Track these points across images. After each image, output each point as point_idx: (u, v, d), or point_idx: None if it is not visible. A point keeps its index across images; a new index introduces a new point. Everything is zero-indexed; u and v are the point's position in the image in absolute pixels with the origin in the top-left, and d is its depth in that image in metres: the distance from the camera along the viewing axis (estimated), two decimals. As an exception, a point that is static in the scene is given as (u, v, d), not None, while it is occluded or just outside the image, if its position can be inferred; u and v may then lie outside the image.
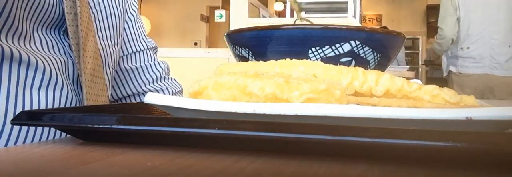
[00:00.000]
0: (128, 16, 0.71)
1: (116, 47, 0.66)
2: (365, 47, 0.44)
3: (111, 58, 0.64)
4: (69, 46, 0.56)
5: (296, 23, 0.53)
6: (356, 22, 2.71)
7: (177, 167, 0.22)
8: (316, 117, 0.26)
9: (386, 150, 0.24)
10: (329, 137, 0.23)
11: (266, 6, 3.03)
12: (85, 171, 0.22)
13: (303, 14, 3.06)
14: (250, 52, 0.48)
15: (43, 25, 0.54)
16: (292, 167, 0.23)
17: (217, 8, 5.01)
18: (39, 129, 0.48)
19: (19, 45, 0.50)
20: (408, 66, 3.27)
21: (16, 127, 0.46)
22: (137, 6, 0.75)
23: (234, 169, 0.22)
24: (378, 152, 0.25)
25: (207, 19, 6.42)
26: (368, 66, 0.46)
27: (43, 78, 0.49)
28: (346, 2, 2.88)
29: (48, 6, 0.53)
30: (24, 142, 0.47)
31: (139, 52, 0.73)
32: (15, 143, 0.46)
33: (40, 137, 0.49)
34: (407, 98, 0.33)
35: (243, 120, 0.25)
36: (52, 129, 0.50)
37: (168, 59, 0.94)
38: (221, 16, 4.48)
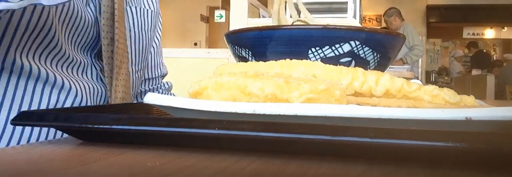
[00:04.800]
0: (154, 41, 0.71)
1: (139, 73, 0.66)
2: (365, 47, 0.44)
3: (136, 84, 0.64)
4: (101, 69, 0.56)
5: (294, 23, 0.54)
6: (356, 23, 2.70)
7: (177, 167, 0.22)
8: (316, 118, 0.26)
9: (386, 150, 0.24)
10: (329, 137, 0.23)
11: (266, 6, 3.03)
12: (84, 171, 0.22)
13: (303, 14, 3.05)
14: (250, 52, 0.48)
15: (78, 45, 0.55)
16: (292, 167, 0.23)
17: (217, 8, 5.00)
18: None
19: (57, 68, 0.51)
20: (408, 66, 3.31)
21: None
22: (161, 31, 0.74)
23: (234, 169, 0.22)
24: (378, 152, 0.25)
25: (207, 19, 6.41)
26: (368, 67, 0.46)
27: (73, 102, 0.50)
28: (346, 3, 2.87)
29: (84, 23, 0.54)
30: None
31: (152, 78, 0.73)
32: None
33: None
34: (407, 98, 0.33)
35: (243, 120, 0.25)
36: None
37: (168, 59, 0.94)
38: (221, 16, 4.47)
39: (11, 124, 0.29)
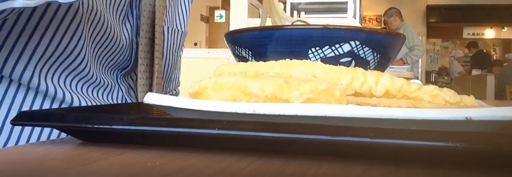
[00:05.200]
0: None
1: (164, 91, 0.66)
2: (365, 47, 0.44)
3: None
4: (126, 91, 0.56)
5: (294, 23, 0.54)
6: (356, 23, 2.71)
7: (177, 167, 0.22)
8: (316, 118, 0.26)
9: (386, 150, 0.24)
10: (328, 137, 0.23)
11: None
12: (84, 171, 0.22)
13: (303, 14, 3.06)
14: (250, 52, 0.48)
15: (106, 66, 0.54)
16: (292, 167, 0.23)
17: (217, 8, 5.00)
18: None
19: (82, 90, 0.50)
20: (408, 67, 3.31)
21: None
22: (183, 48, 0.74)
23: (234, 169, 0.22)
24: (378, 152, 0.25)
25: (207, 19, 6.41)
26: (368, 67, 0.46)
27: None
28: (346, 3, 2.87)
29: (119, 45, 0.54)
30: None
31: (168, 92, 0.73)
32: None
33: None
34: (407, 98, 0.33)
35: (243, 120, 0.25)
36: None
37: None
38: (221, 16, 4.47)
39: (11, 124, 0.29)
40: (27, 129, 0.47)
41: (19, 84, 0.46)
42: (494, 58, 6.45)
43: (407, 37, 3.49)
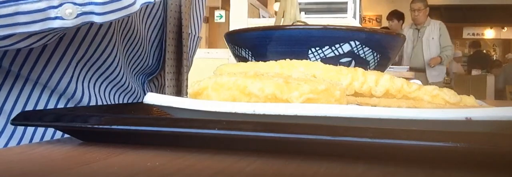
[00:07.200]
0: None
1: None
2: (365, 47, 0.44)
3: None
4: None
5: (294, 24, 0.54)
6: (356, 23, 2.71)
7: (177, 167, 0.22)
8: (316, 118, 0.26)
9: (386, 150, 0.24)
10: (328, 137, 0.23)
11: (266, 6, 3.03)
12: (84, 171, 0.22)
13: (303, 14, 3.06)
14: (249, 52, 0.48)
15: (134, 71, 0.54)
16: (292, 167, 0.23)
17: (217, 8, 4.99)
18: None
19: (109, 95, 0.50)
20: (408, 67, 3.29)
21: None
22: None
23: (234, 169, 0.22)
24: (378, 152, 0.25)
25: (207, 19, 6.41)
26: (368, 67, 0.46)
27: None
28: (346, 3, 2.88)
29: (146, 50, 0.54)
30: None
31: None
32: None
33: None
34: (406, 98, 0.33)
35: (243, 121, 0.25)
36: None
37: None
38: (221, 16, 4.47)
39: (11, 124, 0.29)
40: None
41: (44, 87, 0.45)
42: (494, 59, 6.45)
43: (444, 36, 3.11)
